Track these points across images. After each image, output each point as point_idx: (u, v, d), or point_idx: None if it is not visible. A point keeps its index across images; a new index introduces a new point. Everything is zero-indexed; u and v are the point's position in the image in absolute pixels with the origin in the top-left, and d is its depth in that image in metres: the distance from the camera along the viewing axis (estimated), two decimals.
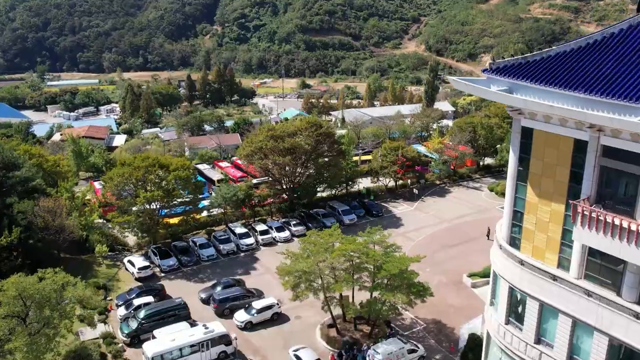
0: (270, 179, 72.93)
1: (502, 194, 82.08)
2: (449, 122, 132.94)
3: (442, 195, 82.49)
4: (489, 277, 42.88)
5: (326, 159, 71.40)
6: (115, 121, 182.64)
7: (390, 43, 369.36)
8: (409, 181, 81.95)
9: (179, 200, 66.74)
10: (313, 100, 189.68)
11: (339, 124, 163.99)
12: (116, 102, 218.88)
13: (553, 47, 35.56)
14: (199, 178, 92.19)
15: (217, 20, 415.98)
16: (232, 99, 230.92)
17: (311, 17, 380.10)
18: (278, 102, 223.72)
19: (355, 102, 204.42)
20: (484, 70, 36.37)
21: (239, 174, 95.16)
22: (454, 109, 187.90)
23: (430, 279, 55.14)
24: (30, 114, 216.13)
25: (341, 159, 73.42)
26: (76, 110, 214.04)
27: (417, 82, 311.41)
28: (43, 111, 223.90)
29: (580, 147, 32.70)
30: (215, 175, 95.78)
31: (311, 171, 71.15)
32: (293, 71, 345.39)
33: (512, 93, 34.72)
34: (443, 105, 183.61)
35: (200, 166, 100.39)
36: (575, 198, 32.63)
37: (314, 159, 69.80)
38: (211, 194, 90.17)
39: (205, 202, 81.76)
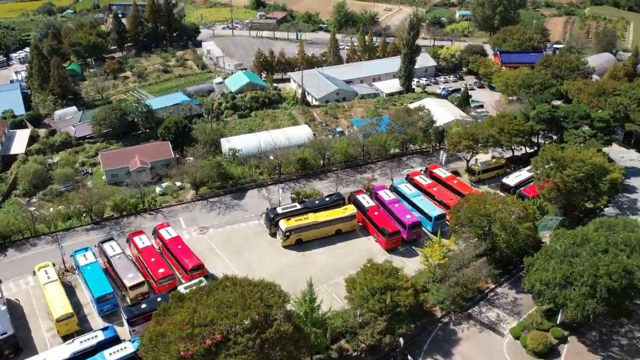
0: None
1: (534, 353, 59.06)
2: (437, 119, 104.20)
3: (446, 353, 58.11)
4: None
5: None
6: (23, 86, 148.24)
7: None
8: (400, 337, 55.78)
9: None
10: (266, 54, 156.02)
11: (298, 100, 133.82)
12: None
13: None
14: (104, 291, 65.15)
15: None
16: (173, 35, 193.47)
17: None
18: (225, 43, 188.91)
19: (319, 50, 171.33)
20: None
21: (162, 269, 68.12)
22: (434, 63, 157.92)
23: None
24: None
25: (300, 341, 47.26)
26: None
27: None
28: None
29: None
30: (130, 272, 68.20)
31: None
32: None
33: None
34: (423, 59, 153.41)
35: (107, 247, 71.78)
36: None
37: None
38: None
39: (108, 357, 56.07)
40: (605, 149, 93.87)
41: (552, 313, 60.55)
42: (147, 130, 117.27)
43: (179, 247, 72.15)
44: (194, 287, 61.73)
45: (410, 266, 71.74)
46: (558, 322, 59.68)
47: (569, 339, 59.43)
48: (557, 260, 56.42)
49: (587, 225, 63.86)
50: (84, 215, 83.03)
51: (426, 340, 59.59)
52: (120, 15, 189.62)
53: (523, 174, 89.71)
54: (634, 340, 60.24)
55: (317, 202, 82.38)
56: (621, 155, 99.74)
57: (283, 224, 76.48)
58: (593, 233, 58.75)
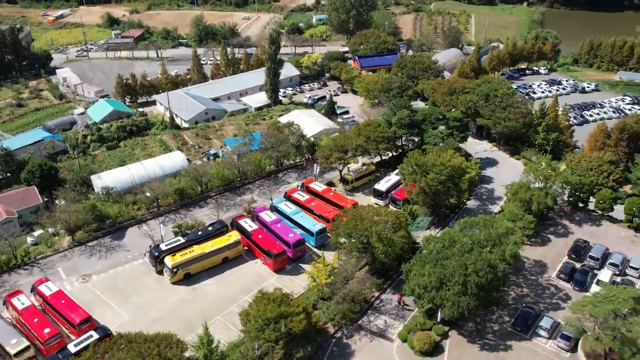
0: None
1: (421, 353, 63.54)
2: (307, 131, 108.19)
3: None
4: None
5: None
6: None
7: None
8: None
9: None
10: (128, 78, 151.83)
11: (167, 124, 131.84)
12: None
13: None
14: None
15: None
16: (23, 65, 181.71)
17: None
18: (81, 68, 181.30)
19: (182, 67, 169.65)
20: None
21: (47, 328, 65.38)
22: (298, 72, 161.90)
23: None
24: None
25: None
26: None
27: (243, 2, 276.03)
28: None
29: None
30: (12, 337, 64.73)
31: None
32: None
33: None
34: (287, 69, 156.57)
35: None
36: None
37: None
38: None
39: None
40: (461, 145, 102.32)
41: (432, 312, 65.73)
42: (9, 175, 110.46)
43: (63, 301, 69.57)
44: (85, 342, 60.75)
45: (299, 283, 74.40)
46: (438, 320, 65.05)
47: (449, 333, 64.98)
48: (431, 265, 61.57)
49: (453, 227, 69.96)
50: None
51: (323, 358, 62.48)
52: None
53: (392, 178, 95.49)
54: (504, 324, 67.04)
55: (200, 232, 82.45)
56: (476, 148, 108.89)
57: (169, 261, 75.96)
58: (459, 234, 64.68)
